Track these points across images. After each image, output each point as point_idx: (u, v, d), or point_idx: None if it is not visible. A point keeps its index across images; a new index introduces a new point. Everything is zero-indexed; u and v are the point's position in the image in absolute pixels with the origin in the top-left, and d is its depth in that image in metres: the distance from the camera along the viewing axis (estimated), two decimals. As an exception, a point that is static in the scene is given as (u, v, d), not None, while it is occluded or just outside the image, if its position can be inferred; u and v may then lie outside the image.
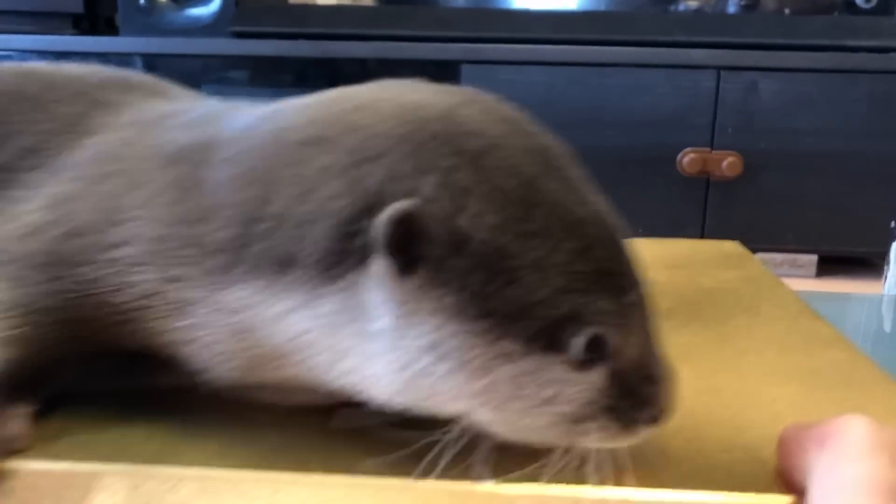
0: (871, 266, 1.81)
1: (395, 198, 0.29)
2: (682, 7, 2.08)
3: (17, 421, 0.32)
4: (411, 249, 0.29)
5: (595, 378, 0.30)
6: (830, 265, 1.75)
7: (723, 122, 1.83)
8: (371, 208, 0.29)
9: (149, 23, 1.85)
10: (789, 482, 0.30)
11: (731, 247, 0.64)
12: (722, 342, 0.45)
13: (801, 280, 1.66)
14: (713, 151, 1.84)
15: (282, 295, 0.30)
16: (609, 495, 0.30)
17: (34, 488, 0.30)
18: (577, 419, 0.30)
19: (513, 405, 0.30)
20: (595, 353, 0.30)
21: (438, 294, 0.29)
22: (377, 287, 0.29)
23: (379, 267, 0.29)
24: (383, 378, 0.30)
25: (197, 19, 1.88)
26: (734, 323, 0.48)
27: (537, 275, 0.29)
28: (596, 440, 0.30)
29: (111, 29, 1.94)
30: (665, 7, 2.13)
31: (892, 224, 0.94)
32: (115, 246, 0.33)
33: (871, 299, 0.99)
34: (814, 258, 1.77)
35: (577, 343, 0.29)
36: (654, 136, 1.83)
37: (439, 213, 0.29)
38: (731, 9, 2.04)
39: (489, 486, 0.30)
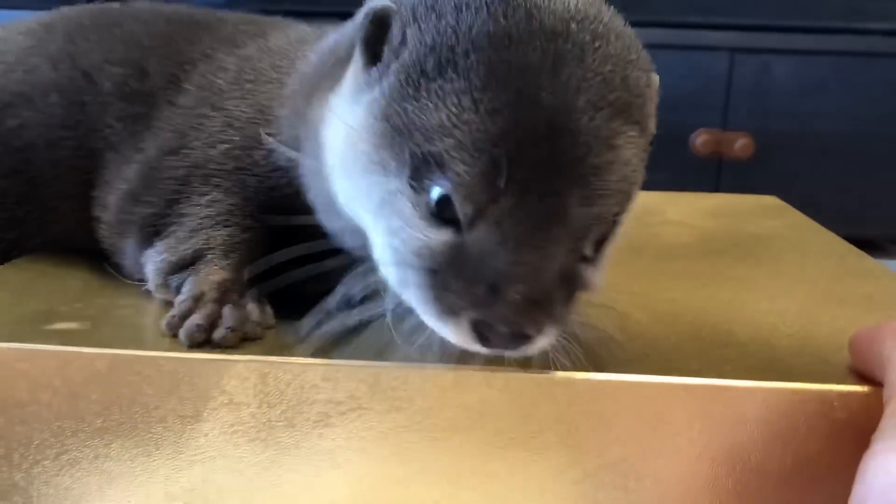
0: (882, 249, 1.83)
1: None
2: (694, -11, 2.10)
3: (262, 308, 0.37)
4: (377, 46, 0.32)
5: (438, 240, 0.29)
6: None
7: (736, 103, 1.85)
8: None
9: None
10: (865, 376, 0.33)
11: (771, 200, 0.67)
12: (777, 275, 0.47)
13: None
14: (726, 132, 1.86)
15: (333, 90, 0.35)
16: (703, 383, 0.32)
17: (173, 374, 0.33)
18: (406, 269, 0.29)
19: (377, 223, 0.31)
20: (445, 215, 0.29)
21: (371, 90, 0.32)
22: (356, 75, 0.34)
23: (359, 54, 0.34)
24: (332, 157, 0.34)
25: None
26: (786, 260, 0.50)
27: (439, 104, 0.29)
28: (413, 303, 0.30)
29: None
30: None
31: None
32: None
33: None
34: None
35: (432, 190, 0.29)
36: (667, 117, 1.83)
37: (400, 19, 0.32)
38: (745, -9, 2.06)
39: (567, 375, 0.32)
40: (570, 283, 0.31)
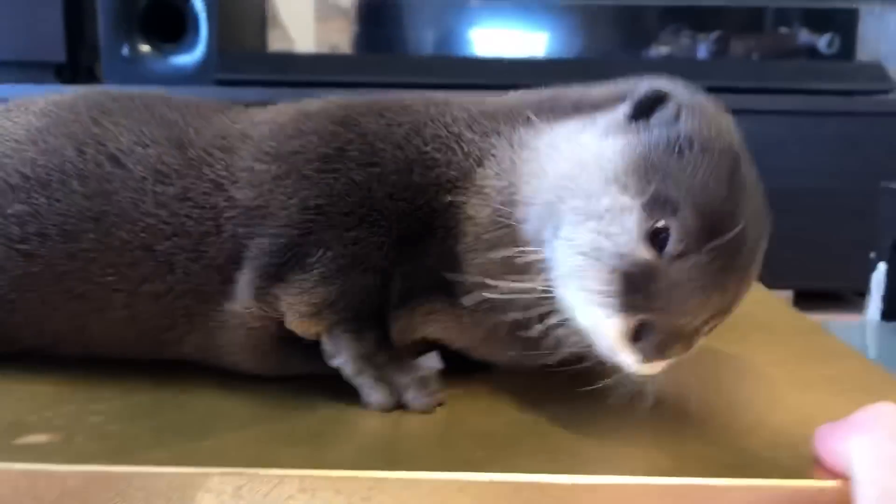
0: (844, 300, 1.87)
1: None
2: (653, 53, 2.16)
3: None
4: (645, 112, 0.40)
5: (643, 256, 0.37)
6: (806, 301, 1.81)
7: (697, 162, 1.89)
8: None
9: (132, 71, 1.87)
10: (830, 469, 0.33)
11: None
12: (744, 359, 0.48)
13: (779, 314, 1.71)
14: (689, 191, 1.90)
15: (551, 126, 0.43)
16: (679, 482, 0.33)
17: (145, 489, 0.33)
18: (598, 263, 0.38)
19: (589, 222, 0.38)
20: (660, 240, 0.37)
21: (631, 134, 0.40)
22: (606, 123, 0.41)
23: (619, 113, 0.41)
24: (560, 165, 0.41)
25: (181, 68, 1.90)
26: (753, 340, 0.51)
27: (694, 173, 0.38)
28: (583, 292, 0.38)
29: (93, 78, 1.96)
30: (638, 53, 2.21)
31: (872, 255, 1.00)
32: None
33: (856, 325, 1.04)
34: (789, 294, 1.83)
35: (659, 221, 0.37)
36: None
37: (677, 103, 0.40)
38: (702, 54, 2.12)
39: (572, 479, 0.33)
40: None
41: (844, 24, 2.09)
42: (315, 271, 0.40)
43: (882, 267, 0.97)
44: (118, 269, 0.42)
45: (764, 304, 0.60)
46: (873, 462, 0.30)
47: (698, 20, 2.15)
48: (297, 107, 0.46)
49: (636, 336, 0.36)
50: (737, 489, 0.33)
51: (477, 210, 0.42)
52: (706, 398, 0.42)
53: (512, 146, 0.43)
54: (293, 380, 0.43)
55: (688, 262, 0.36)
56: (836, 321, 1.03)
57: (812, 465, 0.34)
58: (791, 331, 0.53)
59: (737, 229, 0.37)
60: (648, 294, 0.36)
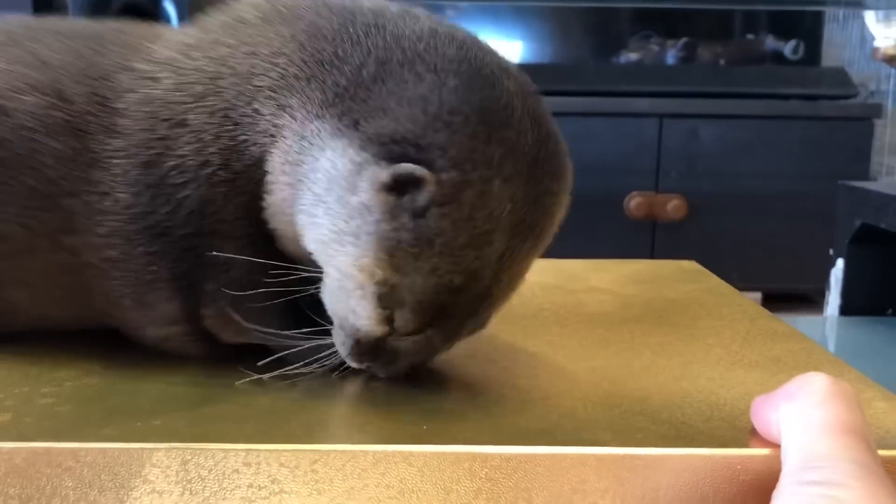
0: (811, 301, 1.90)
1: (432, 162, 0.37)
2: (623, 59, 2.19)
3: None
4: (402, 189, 0.37)
5: (379, 331, 0.39)
6: (774, 302, 1.83)
7: (666, 166, 1.92)
8: (421, 149, 0.37)
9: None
10: (765, 439, 0.34)
11: (690, 265, 0.70)
12: (691, 339, 0.49)
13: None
14: (658, 195, 1.92)
15: (334, 142, 0.39)
16: (613, 452, 0.33)
17: (92, 466, 0.33)
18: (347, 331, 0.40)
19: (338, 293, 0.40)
20: (391, 322, 0.39)
21: (383, 214, 0.37)
22: (368, 181, 0.37)
23: (381, 176, 0.37)
24: (322, 228, 0.39)
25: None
26: (700, 324, 0.53)
27: (420, 269, 0.37)
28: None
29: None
30: (607, 59, 2.23)
31: (831, 251, 1.02)
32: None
33: (815, 321, 1.06)
34: (758, 296, 1.86)
35: (387, 318, 0.39)
36: (601, 181, 1.90)
37: (431, 196, 0.36)
38: (670, 60, 2.15)
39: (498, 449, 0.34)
40: None
41: (809, 31, 2.13)
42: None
43: (840, 263, 0.99)
44: (35, 213, 0.42)
45: (715, 292, 0.61)
46: (799, 428, 0.32)
47: (667, 26, 2.18)
48: None
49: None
50: (671, 458, 0.34)
51: None
52: (649, 377, 0.43)
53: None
54: (248, 361, 0.44)
55: (414, 339, 0.39)
56: (798, 318, 1.05)
57: (748, 435, 0.35)
58: (739, 315, 0.54)
59: (475, 313, 0.40)
60: (378, 354, 0.40)
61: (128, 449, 0.33)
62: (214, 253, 0.41)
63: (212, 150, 0.40)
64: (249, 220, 0.41)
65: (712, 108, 1.94)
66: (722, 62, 2.13)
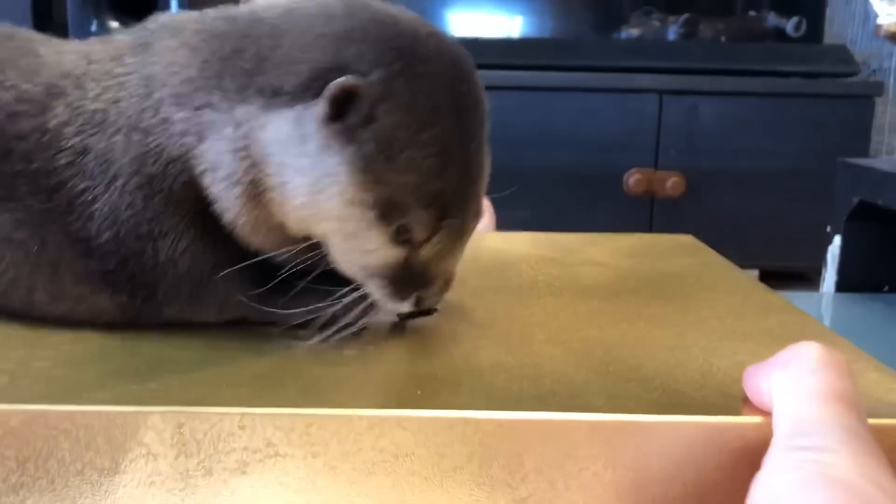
0: (807, 279, 1.90)
1: (353, 72, 0.39)
2: (624, 35, 2.17)
3: None
4: (342, 109, 0.39)
5: (398, 256, 0.42)
6: (771, 280, 1.84)
7: (666, 143, 1.92)
8: (339, 69, 0.39)
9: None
10: (757, 407, 0.35)
11: (687, 239, 0.70)
12: (686, 312, 0.49)
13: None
14: (657, 171, 1.92)
15: (268, 114, 0.41)
16: (605, 418, 0.34)
17: (88, 428, 0.33)
18: (373, 277, 0.42)
19: (346, 244, 0.42)
20: (404, 236, 0.41)
21: (343, 144, 0.40)
22: (313, 123, 0.40)
23: (319, 110, 0.39)
24: (298, 189, 0.41)
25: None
26: (695, 297, 0.53)
27: (409, 168, 0.40)
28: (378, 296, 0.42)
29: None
30: (609, 35, 2.22)
31: (828, 229, 1.02)
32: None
33: (811, 297, 1.06)
34: (755, 273, 1.86)
35: (396, 223, 0.41)
36: (600, 158, 1.90)
37: (369, 98, 0.39)
38: (671, 36, 2.14)
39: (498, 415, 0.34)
40: None
41: (812, 8, 2.11)
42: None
43: (837, 240, 0.99)
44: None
45: (711, 266, 0.61)
46: (791, 396, 0.32)
47: (668, 2, 2.16)
48: None
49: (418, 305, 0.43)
50: (663, 425, 0.34)
51: None
52: (642, 346, 0.43)
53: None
54: (242, 325, 0.44)
55: (433, 241, 0.42)
56: (794, 294, 1.05)
57: (740, 403, 0.36)
58: (734, 289, 0.55)
59: (468, 196, 0.42)
60: (413, 279, 0.42)
61: (123, 412, 0.33)
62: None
63: (120, 163, 0.42)
64: (182, 217, 0.43)
65: (713, 84, 1.93)
66: (723, 39, 2.11)
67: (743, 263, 0.63)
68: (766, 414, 0.34)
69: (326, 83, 0.39)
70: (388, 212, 0.40)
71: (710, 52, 2.06)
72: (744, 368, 0.37)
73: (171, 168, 0.42)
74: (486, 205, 1.10)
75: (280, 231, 0.43)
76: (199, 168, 0.42)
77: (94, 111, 0.43)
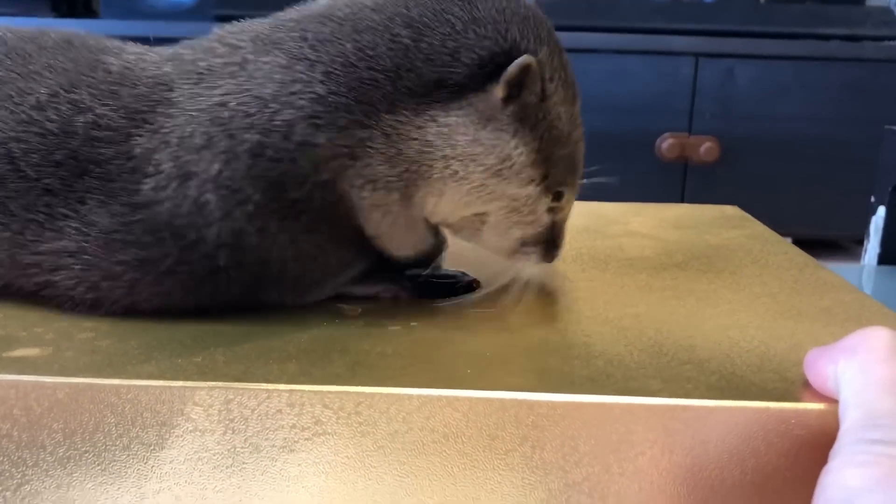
0: (843, 248, 1.87)
1: (524, 52, 0.40)
2: (660, -5, 2.12)
3: None
4: (517, 92, 0.40)
5: (550, 219, 0.45)
6: (805, 248, 1.80)
7: (700, 107, 1.88)
8: (507, 52, 0.40)
9: (129, 5, 1.84)
10: (819, 392, 0.33)
11: (733, 210, 0.68)
12: (737, 288, 0.48)
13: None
14: (691, 136, 1.89)
15: (428, 113, 0.40)
16: (662, 402, 0.33)
17: (134, 402, 0.33)
18: (528, 242, 0.45)
19: (508, 215, 0.43)
20: (556, 203, 0.44)
21: (516, 124, 0.41)
22: (490, 107, 0.40)
23: (497, 94, 0.40)
24: (471, 177, 0.41)
25: (179, 3, 1.87)
26: (746, 272, 0.51)
27: (567, 146, 0.43)
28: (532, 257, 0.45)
29: (89, 12, 1.93)
30: (643, -5, 2.16)
31: (872, 199, 0.99)
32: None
33: (853, 269, 1.04)
34: (789, 241, 1.83)
35: (555, 194, 0.44)
36: (633, 122, 1.87)
37: (541, 76, 0.40)
38: (709, -3, 2.09)
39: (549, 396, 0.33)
40: None
41: (855, -32, 2.04)
42: None
43: (881, 211, 0.97)
44: None
45: (760, 239, 0.59)
46: (860, 385, 0.30)
47: (706, -38, 2.10)
48: None
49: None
50: (722, 410, 0.33)
51: None
52: (694, 324, 0.42)
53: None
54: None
55: (566, 201, 0.45)
56: (836, 265, 1.03)
57: (800, 388, 0.34)
58: (786, 264, 0.53)
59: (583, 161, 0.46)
60: (555, 240, 0.45)
61: (170, 387, 0.33)
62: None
63: (245, 191, 0.39)
64: (324, 235, 0.42)
65: (750, 47, 1.88)
66: (762, 0, 2.06)
67: (777, 231, 0.62)
68: (831, 401, 0.33)
69: (498, 67, 0.39)
70: (551, 183, 0.43)
71: (747, 13, 2.01)
72: (803, 351, 0.35)
73: (318, 192, 0.40)
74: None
75: (417, 227, 0.44)
76: (352, 185, 0.40)
77: (191, 135, 0.39)
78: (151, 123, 0.40)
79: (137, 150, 0.40)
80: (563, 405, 0.33)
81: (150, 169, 0.40)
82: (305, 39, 0.40)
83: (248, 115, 0.39)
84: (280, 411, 0.33)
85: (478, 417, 0.33)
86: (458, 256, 0.50)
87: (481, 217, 0.43)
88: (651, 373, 0.36)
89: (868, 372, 0.30)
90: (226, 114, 0.39)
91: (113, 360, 0.35)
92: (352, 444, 0.33)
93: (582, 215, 0.66)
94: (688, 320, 0.42)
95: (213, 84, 0.40)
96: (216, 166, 0.39)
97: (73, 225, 0.40)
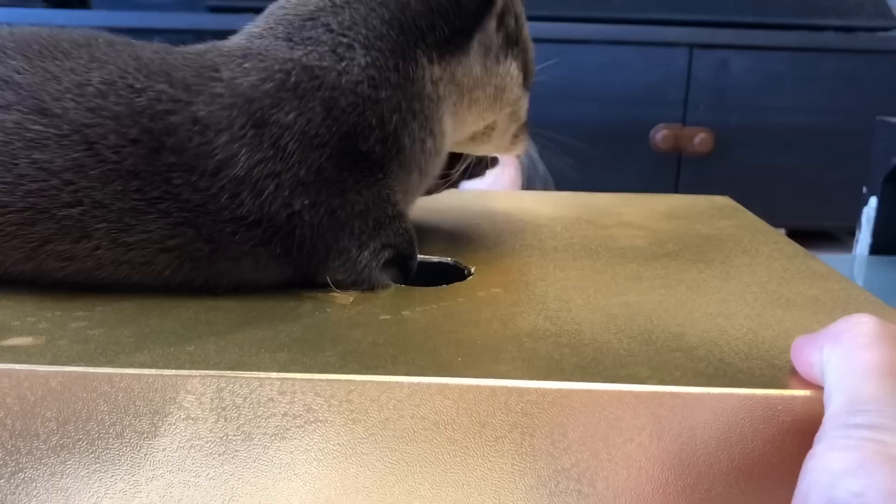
0: (836, 239, 1.88)
1: None
2: (654, -14, 2.12)
3: None
4: (501, 18, 0.50)
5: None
6: (799, 239, 1.81)
7: (695, 98, 1.88)
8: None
9: (122, -3, 1.84)
10: (806, 380, 0.34)
11: (724, 200, 0.68)
12: (727, 277, 0.48)
13: (770, 251, 1.72)
14: (685, 127, 1.89)
15: (454, 59, 0.47)
16: (651, 389, 0.33)
17: (127, 391, 0.33)
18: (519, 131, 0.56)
19: (510, 114, 0.54)
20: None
21: (507, 46, 0.50)
22: (486, 38, 0.49)
23: (492, 27, 0.49)
24: (489, 98, 0.51)
25: (171, -7, 1.87)
26: (736, 262, 0.52)
27: (529, 49, 0.53)
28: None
29: (81, 3, 1.92)
30: (638, -14, 2.16)
31: (864, 190, 0.99)
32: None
33: (845, 259, 1.04)
34: (782, 232, 1.84)
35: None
36: (628, 112, 1.87)
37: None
38: (703, -12, 2.08)
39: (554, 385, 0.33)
40: None
41: (849, -42, 2.04)
42: None
43: (873, 202, 0.97)
44: None
45: (750, 229, 0.60)
46: (844, 371, 0.31)
47: (700, -48, 2.10)
48: None
49: None
50: (709, 397, 0.33)
51: None
52: (685, 313, 0.42)
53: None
54: (278, 290, 0.43)
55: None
56: (827, 256, 1.03)
57: (787, 375, 0.35)
58: (776, 254, 0.53)
59: None
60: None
61: (162, 375, 0.33)
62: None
63: (316, 141, 0.42)
64: (387, 187, 0.46)
65: (744, 38, 1.88)
66: (756, -10, 2.06)
67: (771, 221, 0.62)
68: (816, 388, 0.33)
69: (482, 3, 0.47)
70: (526, 84, 0.53)
71: (741, 4, 2.01)
72: (790, 338, 0.36)
73: (380, 146, 0.44)
74: (510, 160, 1.09)
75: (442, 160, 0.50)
76: (412, 137, 0.45)
77: (256, 98, 0.42)
78: (207, 93, 0.42)
79: (202, 113, 0.41)
80: (552, 392, 0.33)
81: (224, 123, 0.41)
82: (338, 15, 0.45)
83: (315, 78, 0.43)
84: (272, 399, 0.33)
85: (468, 405, 0.33)
86: (448, 244, 0.50)
87: (491, 126, 0.53)
88: (640, 360, 0.36)
89: (852, 358, 0.31)
90: (292, 78, 0.42)
91: (106, 348, 0.36)
92: (343, 431, 0.33)
93: (574, 206, 0.67)
94: (677, 309, 0.43)
95: (264, 57, 0.43)
96: (291, 115, 0.42)
97: (163, 206, 0.41)
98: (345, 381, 0.33)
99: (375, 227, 0.45)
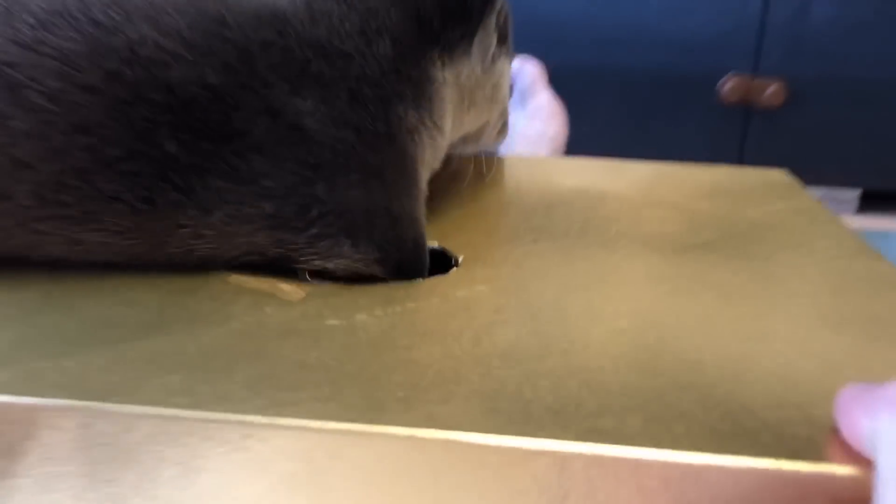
0: (917, 204, 1.73)
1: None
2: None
3: None
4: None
5: None
6: (873, 201, 1.67)
7: (768, 46, 1.74)
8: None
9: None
10: (849, 448, 0.25)
11: (779, 175, 0.58)
12: (769, 282, 0.39)
13: (840, 216, 1.60)
14: (756, 78, 1.75)
15: (462, 56, 0.44)
16: (638, 456, 0.25)
17: (-32, 423, 0.26)
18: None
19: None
20: None
21: (498, 45, 0.48)
22: (486, 37, 0.46)
23: (489, 27, 0.46)
24: (488, 98, 0.49)
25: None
26: (783, 260, 0.42)
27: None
28: None
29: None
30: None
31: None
32: None
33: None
34: (856, 193, 1.70)
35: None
36: (692, 61, 1.74)
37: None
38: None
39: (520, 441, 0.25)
40: None
41: None
42: None
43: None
44: None
45: (807, 215, 0.50)
46: (906, 455, 0.22)
47: None
48: None
49: None
50: (717, 470, 0.25)
51: None
52: (708, 331, 0.33)
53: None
54: (221, 279, 0.36)
55: None
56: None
57: (827, 437, 0.26)
58: (834, 250, 0.44)
59: None
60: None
61: (14, 406, 0.26)
62: None
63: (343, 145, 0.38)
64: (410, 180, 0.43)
65: (829, -22, 1.72)
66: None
67: (844, 181, 0.52)
68: (864, 462, 0.24)
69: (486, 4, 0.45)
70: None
71: (828, -59, 1.83)
72: (836, 376, 0.28)
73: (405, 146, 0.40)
74: (558, 108, 1.00)
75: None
76: (430, 134, 0.42)
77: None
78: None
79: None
80: (504, 451, 0.25)
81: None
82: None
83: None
84: (143, 442, 0.26)
85: (392, 459, 0.26)
86: (441, 222, 0.42)
87: (485, 123, 0.51)
88: (635, 403, 0.28)
89: (918, 442, 0.22)
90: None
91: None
92: (239, 483, 0.26)
93: (604, 176, 0.58)
94: (699, 325, 0.34)
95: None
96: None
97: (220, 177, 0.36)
98: (238, 422, 0.26)
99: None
